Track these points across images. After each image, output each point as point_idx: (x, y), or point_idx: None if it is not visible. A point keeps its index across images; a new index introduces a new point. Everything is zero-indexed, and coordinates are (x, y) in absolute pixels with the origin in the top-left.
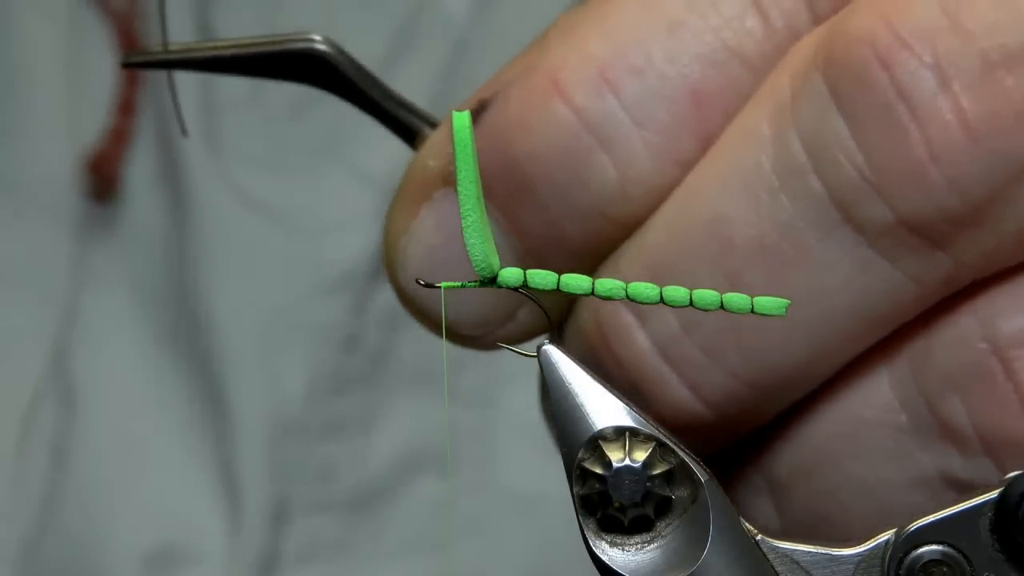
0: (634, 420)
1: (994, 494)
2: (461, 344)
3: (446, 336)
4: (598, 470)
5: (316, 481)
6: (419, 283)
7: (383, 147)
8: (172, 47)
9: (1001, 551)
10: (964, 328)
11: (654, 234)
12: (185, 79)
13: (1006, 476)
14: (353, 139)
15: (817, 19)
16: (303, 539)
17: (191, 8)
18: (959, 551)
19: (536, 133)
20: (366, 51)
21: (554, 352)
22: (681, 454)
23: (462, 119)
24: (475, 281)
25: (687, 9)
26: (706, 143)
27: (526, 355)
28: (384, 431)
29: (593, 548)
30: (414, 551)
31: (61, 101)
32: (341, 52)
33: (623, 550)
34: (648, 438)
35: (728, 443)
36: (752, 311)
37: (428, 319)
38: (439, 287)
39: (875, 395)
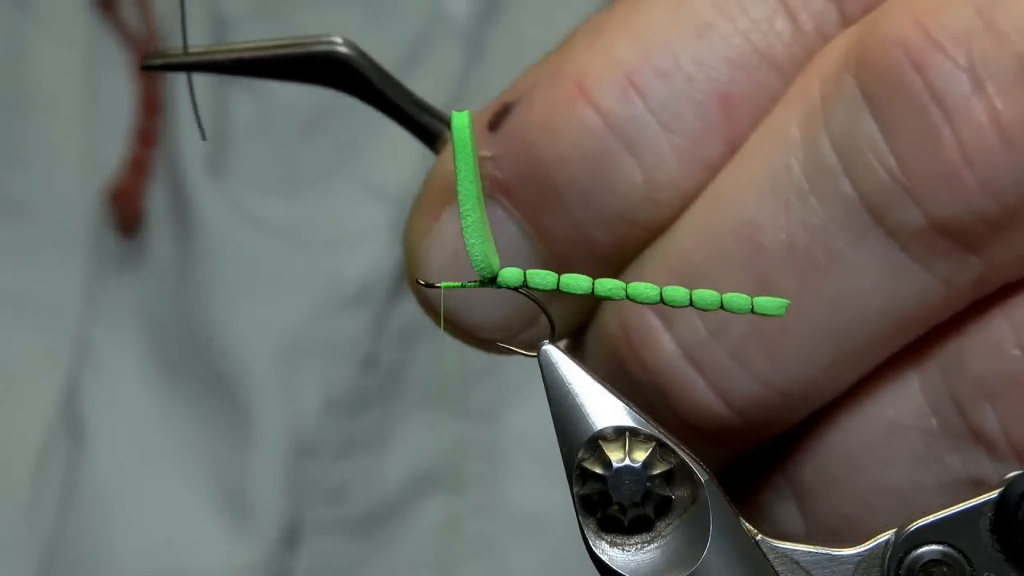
0: (634, 420)
1: (994, 494)
2: (485, 349)
3: (469, 342)
4: (598, 470)
5: (328, 501)
6: (419, 283)
7: (396, 161)
8: (192, 50)
9: (1001, 551)
10: (997, 334)
11: (681, 238)
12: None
13: (1006, 476)
14: (365, 154)
15: (846, 21)
16: (315, 560)
17: (204, 30)
18: (959, 551)
19: (561, 136)
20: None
21: (554, 352)
22: (681, 454)
23: (462, 119)
24: (475, 281)
25: (715, 12)
26: (734, 147)
27: (526, 355)
28: (396, 450)
29: (593, 548)
30: (423, 571)
31: (78, 129)
32: (362, 54)
33: (623, 550)
34: (648, 438)
35: (754, 448)
36: (752, 311)
37: (449, 325)
38: (439, 287)
39: (906, 400)
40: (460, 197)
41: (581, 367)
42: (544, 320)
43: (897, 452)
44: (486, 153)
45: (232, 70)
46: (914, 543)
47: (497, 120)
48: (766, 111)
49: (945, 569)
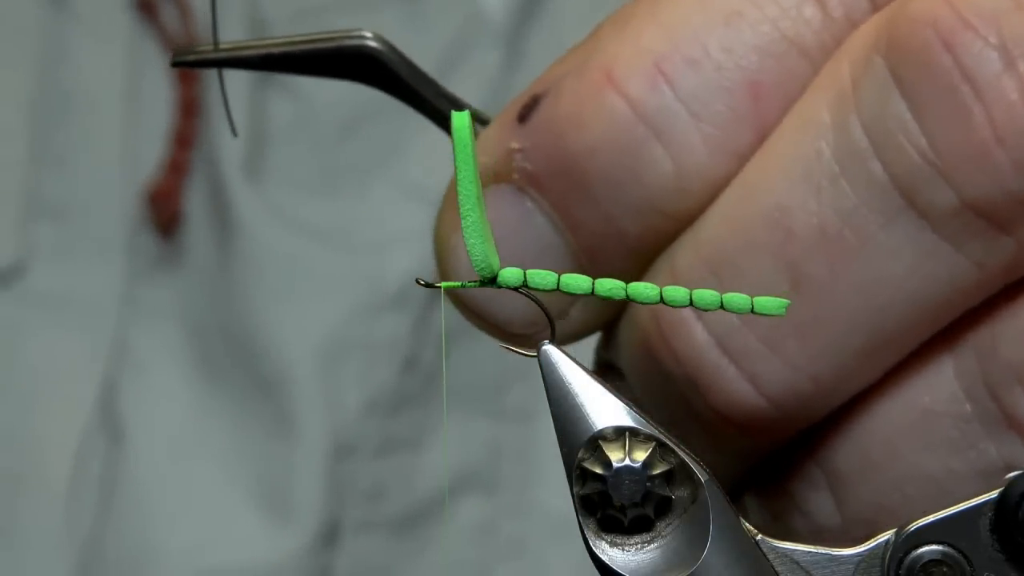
0: (634, 420)
1: (994, 494)
2: (511, 344)
3: (492, 333)
4: (598, 470)
5: (368, 501)
6: (419, 283)
7: (435, 162)
8: (223, 46)
9: (1001, 551)
10: None
11: (712, 227)
12: (234, 105)
13: (1006, 476)
14: (403, 154)
15: (876, 7)
16: (353, 558)
17: (243, 33)
18: (959, 551)
19: (590, 127)
20: None
21: (554, 352)
22: (681, 454)
23: (461, 119)
24: (475, 281)
25: (744, 0)
26: (764, 135)
27: (526, 355)
28: (435, 451)
29: (593, 548)
30: (460, 571)
31: (118, 131)
32: (393, 49)
33: (623, 550)
34: (648, 438)
35: (787, 439)
36: (752, 311)
37: (481, 319)
38: (439, 287)
39: (940, 386)
40: (460, 197)
41: (581, 367)
42: (574, 313)
43: (932, 439)
44: (515, 145)
45: (261, 65)
46: (914, 543)
47: (526, 112)
48: (796, 99)
49: (945, 569)
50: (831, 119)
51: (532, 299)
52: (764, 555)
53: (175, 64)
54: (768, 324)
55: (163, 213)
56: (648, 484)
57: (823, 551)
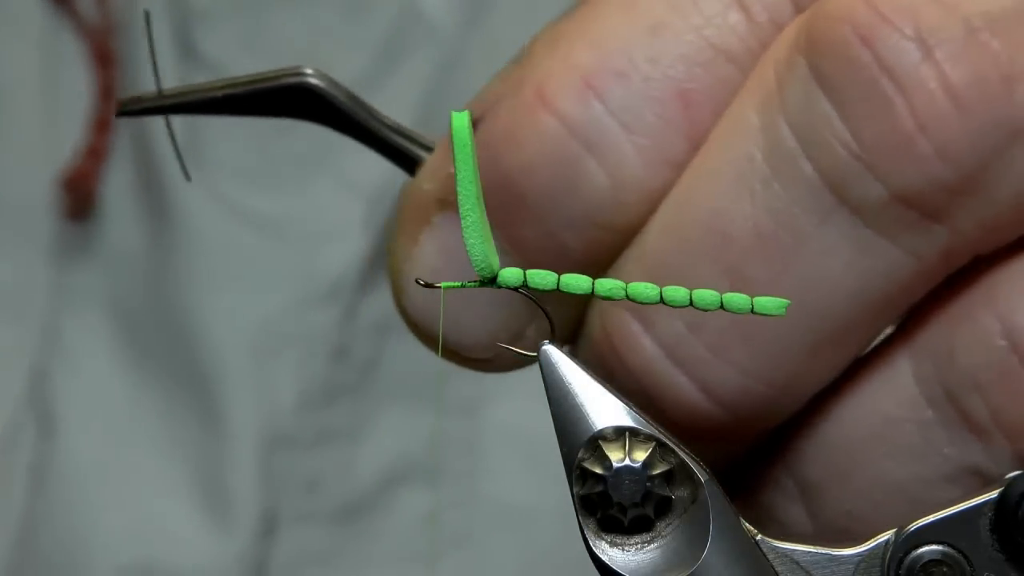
0: (634, 420)
1: (994, 494)
2: (473, 368)
3: (450, 357)
4: (598, 470)
5: (304, 492)
6: (419, 283)
7: (371, 156)
8: (165, 92)
9: (1001, 551)
10: (983, 325)
11: (652, 237)
12: (166, 88)
13: (1006, 476)
14: (341, 149)
15: (799, 9)
16: (291, 550)
17: (173, 28)
18: (959, 551)
19: (525, 145)
20: (353, 65)
21: (554, 352)
22: (681, 454)
23: (461, 119)
24: (475, 281)
25: (669, 10)
26: (697, 143)
27: (526, 355)
28: (372, 442)
29: (593, 548)
30: (402, 562)
31: (36, 120)
32: (333, 83)
33: (623, 550)
34: (648, 438)
35: (750, 446)
36: (752, 311)
37: (437, 345)
38: (439, 287)
39: (900, 391)
40: (460, 197)
41: (581, 367)
42: (530, 333)
43: (895, 445)
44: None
45: (207, 110)
46: (914, 543)
47: None
48: (726, 105)
49: (945, 569)
50: (760, 122)
51: (532, 300)
52: (764, 555)
53: (120, 114)
54: (715, 330)
55: (75, 197)
56: (648, 484)
57: (823, 551)
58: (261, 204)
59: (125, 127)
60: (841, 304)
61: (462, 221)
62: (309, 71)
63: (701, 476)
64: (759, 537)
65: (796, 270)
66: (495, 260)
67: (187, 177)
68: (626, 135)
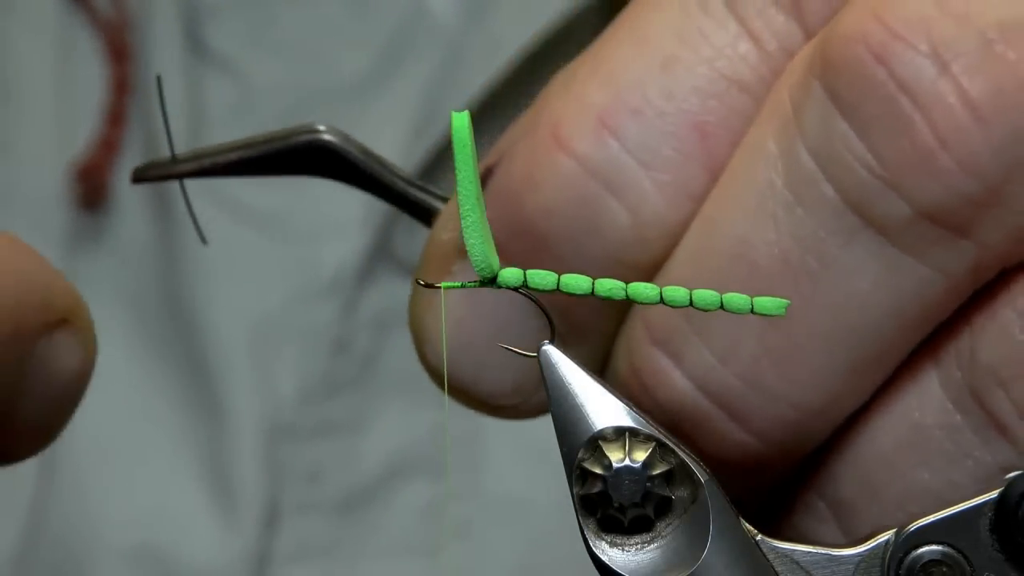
0: (634, 420)
1: (994, 494)
2: (499, 416)
3: (477, 407)
4: (598, 470)
5: (307, 483)
6: (419, 283)
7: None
8: (180, 156)
9: (1001, 551)
10: (1004, 321)
11: (678, 269)
12: (171, 85)
13: (1006, 476)
14: None
15: (809, 35)
16: (294, 539)
17: (181, 23)
18: (959, 551)
19: (543, 188)
20: (357, 62)
21: (554, 352)
22: (681, 454)
23: (461, 119)
24: (475, 281)
25: (679, 44)
26: (716, 174)
27: (527, 355)
28: (373, 434)
29: (593, 548)
30: (403, 553)
31: (50, 113)
32: (347, 139)
33: (623, 550)
34: (648, 438)
35: (786, 474)
36: (752, 311)
37: (464, 393)
38: (439, 287)
39: (929, 399)
40: (460, 197)
41: (581, 367)
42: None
43: (928, 453)
44: None
45: (222, 173)
46: (914, 543)
47: (483, 181)
48: (743, 134)
49: (945, 569)
50: (778, 148)
51: (532, 300)
52: (764, 555)
53: (136, 181)
54: (747, 358)
55: (88, 187)
56: (648, 484)
57: (823, 551)
58: (262, 199)
59: (136, 120)
60: (872, 325)
61: (462, 221)
62: (322, 127)
63: (701, 476)
64: (759, 537)
65: (825, 294)
66: (495, 260)
67: (203, 241)
68: (644, 172)
